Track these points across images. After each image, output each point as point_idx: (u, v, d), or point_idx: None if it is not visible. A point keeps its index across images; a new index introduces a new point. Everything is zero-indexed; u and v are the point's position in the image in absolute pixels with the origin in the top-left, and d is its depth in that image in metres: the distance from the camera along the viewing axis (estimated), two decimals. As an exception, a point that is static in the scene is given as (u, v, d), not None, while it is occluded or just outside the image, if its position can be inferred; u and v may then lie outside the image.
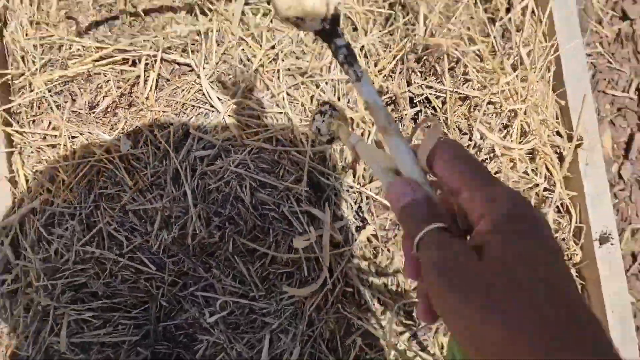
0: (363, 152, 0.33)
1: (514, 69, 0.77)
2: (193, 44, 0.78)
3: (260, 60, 0.75)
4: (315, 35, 0.30)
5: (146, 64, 0.76)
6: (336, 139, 0.38)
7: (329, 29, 0.28)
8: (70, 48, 0.76)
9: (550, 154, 0.79)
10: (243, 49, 0.77)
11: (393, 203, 0.27)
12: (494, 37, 0.77)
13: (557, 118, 0.82)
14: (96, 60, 0.76)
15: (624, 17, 1.07)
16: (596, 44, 1.06)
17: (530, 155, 0.81)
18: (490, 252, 0.22)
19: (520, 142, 0.77)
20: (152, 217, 0.73)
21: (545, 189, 0.80)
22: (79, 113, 0.77)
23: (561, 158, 0.82)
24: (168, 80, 0.78)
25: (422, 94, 0.74)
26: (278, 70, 0.76)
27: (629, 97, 1.05)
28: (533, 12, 0.84)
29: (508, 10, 0.84)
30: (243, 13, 0.78)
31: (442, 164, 0.26)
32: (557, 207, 0.80)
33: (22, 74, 0.79)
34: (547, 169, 0.80)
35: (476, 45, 0.75)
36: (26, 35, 0.79)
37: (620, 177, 1.02)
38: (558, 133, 0.83)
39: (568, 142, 0.80)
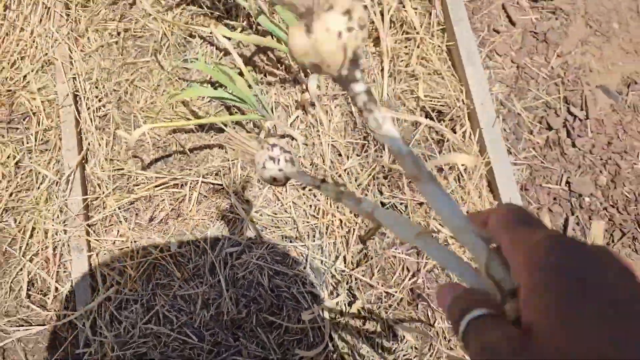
0: (383, 218, 0.31)
1: (457, 181, 1.10)
2: (223, 170, 1.11)
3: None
4: (334, 81, 0.29)
5: (191, 186, 1.09)
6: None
7: (346, 75, 0.26)
8: (136, 179, 1.09)
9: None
10: (260, 173, 1.10)
11: (442, 310, 0.25)
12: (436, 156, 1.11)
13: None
14: (156, 186, 1.08)
15: (549, 127, 1.42)
16: (530, 149, 1.40)
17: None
18: (538, 329, 0.17)
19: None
20: (194, 300, 1.00)
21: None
22: (141, 224, 1.08)
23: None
24: (206, 196, 1.10)
25: (390, 202, 1.05)
26: (285, 187, 1.08)
27: (562, 189, 1.37)
28: (470, 135, 1.18)
29: (453, 130, 1.18)
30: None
31: (494, 218, 0.23)
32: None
33: (98, 197, 1.11)
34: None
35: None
36: (102, 169, 1.13)
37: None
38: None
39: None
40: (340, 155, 1.12)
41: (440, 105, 1.20)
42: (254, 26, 1.14)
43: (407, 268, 1.07)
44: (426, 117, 1.18)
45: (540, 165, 1.39)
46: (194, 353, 0.96)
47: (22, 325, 0.99)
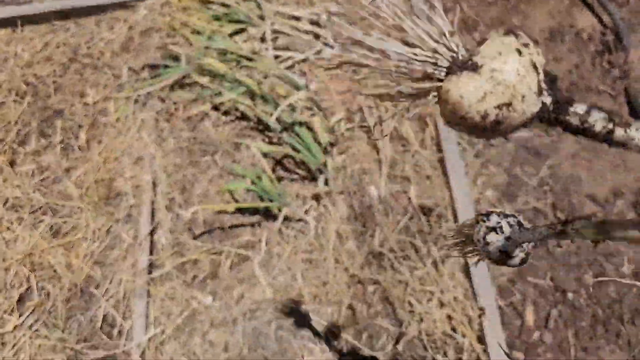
0: None
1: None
2: (251, 243, 1.60)
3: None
4: (536, 125, 0.23)
5: (226, 255, 1.58)
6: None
7: (551, 100, 0.20)
8: (188, 246, 1.61)
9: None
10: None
11: None
12: (419, 246, 1.51)
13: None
14: (201, 252, 1.59)
15: (537, 226, 1.77)
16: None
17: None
18: None
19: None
20: (219, 344, 1.43)
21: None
22: (186, 281, 1.57)
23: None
24: (237, 263, 1.58)
25: (376, 279, 1.46)
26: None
27: (547, 284, 1.67)
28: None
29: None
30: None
31: None
32: None
33: (159, 258, 1.63)
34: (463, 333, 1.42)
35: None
36: (165, 238, 1.67)
37: (542, 341, 1.57)
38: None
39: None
40: (342, 237, 1.57)
41: (429, 204, 1.64)
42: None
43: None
44: (418, 213, 1.61)
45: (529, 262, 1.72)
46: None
47: (94, 349, 1.48)
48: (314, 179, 1.67)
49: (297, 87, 1.74)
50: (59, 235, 1.68)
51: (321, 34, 1.96)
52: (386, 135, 1.70)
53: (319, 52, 1.95)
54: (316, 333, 1.43)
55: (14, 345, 1.50)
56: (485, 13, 2.10)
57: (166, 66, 1.95)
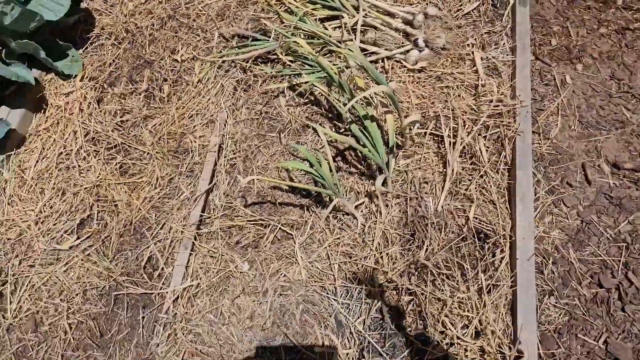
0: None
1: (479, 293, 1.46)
2: (297, 225, 1.67)
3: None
4: None
5: (271, 229, 1.67)
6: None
7: None
8: (238, 212, 1.72)
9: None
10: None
11: None
12: (467, 269, 1.50)
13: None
14: (248, 221, 1.69)
15: (600, 285, 1.66)
16: (574, 297, 1.66)
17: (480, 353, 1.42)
18: None
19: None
20: (245, 309, 1.52)
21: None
22: (230, 244, 1.67)
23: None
24: (279, 239, 1.66)
25: (414, 291, 1.47)
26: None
27: (598, 346, 1.58)
28: (507, 263, 1.55)
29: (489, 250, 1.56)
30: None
31: None
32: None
33: (210, 217, 1.75)
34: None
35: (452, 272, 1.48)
36: (219, 199, 1.79)
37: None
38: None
39: None
40: (387, 241, 1.60)
41: (487, 229, 1.61)
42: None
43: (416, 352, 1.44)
44: (473, 236, 1.60)
45: (581, 316, 1.63)
46: (230, 347, 1.46)
47: (134, 285, 1.63)
48: (372, 177, 1.71)
49: (377, 83, 1.78)
50: (126, 175, 1.85)
51: (413, 34, 1.98)
52: (457, 149, 1.69)
53: (406, 52, 1.98)
54: (340, 327, 1.47)
55: (66, 263, 1.69)
56: (595, 44, 2.01)
57: (255, 39, 2.07)
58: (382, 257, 1.55)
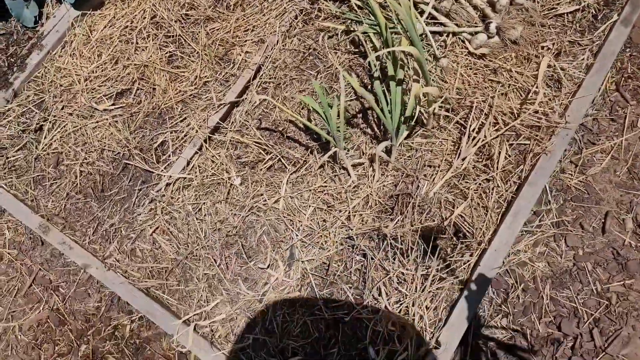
0: None
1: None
2: (298, 160, 1.79)
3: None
4: None
5: (271, 157, 1.81)
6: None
7: None
8: (249, 131, 1.87)
9: None
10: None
11: None
12: (427, 255, 1.55)
13: None
14: (254, 142, 1.84)
15: (559, 328, 1.64)
16: (527, 328, 1.66)
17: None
18: None
19: None
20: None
21: None
22: (231, 156, 1.85)
23: None
24: (276, 169, 1.80)
25: (366, 253, 1.56)
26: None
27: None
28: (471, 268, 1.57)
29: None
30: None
31: None
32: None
33: (226, 128, 1.93)
34: None
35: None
36: (240, 115, 1.95)
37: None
38: None
39: None
40: (367, 204, 1.68)
41: (468, 230, 1.63)
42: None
43: None
44: (451, 232, 1.63)
45: (524, 346, 1.64)
46: (196, 238, 1.67)
47: (142, 161, 1.88)
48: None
49: (412, 44, 1.78)
50: (172, 65, 2.06)
51: (490, 16, 1.91)
52: (474, 145, 1.69)
53: (475, 33, 1.93)
54: (291, 258, 1.62)
55: (97, 121, 1.96)
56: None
57: (332, -26, 2.11)
58: (354, 216, 1.64)
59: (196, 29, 2.11)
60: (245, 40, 2.06)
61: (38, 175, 1.92)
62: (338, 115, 1.58)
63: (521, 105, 1.77)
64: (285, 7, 2.09)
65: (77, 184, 1.86)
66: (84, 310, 1.78)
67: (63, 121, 1.97)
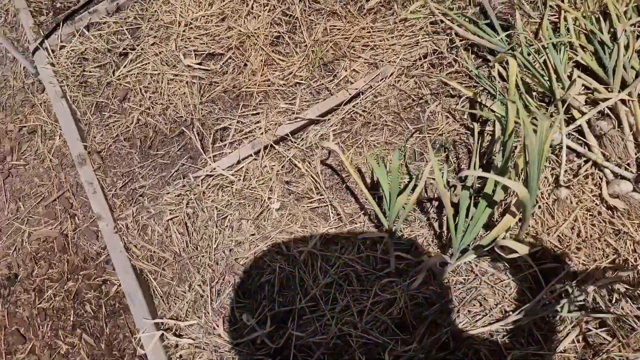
0: None
1: None
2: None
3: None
4: None
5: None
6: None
7: None
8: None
9: None
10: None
11: None
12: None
13: None
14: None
15: None
16: None
17: None
18: None
19: None
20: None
21: None
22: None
23: None
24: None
25: None
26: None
27: None
28: None
29: None
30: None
31: None
32: None
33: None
34: None
35: None
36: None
37: None
38: None
39: None
40: (391, 306, 1.44)
41: None
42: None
43: None
44: None
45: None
46: (206, 245, 1.54)
47: (198, 136, 1.74)
48: (444, 248, 1.49)
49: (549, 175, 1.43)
50: (274, 47, 1.86)
51: (647, 165, 1.50)
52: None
53: (619, 177, 1.53)
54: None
55: (175, 74, 1.84)
56: None
57: (489, 24, 1.76)
58: (367, 314, 1.42)
59: (316, 19, 1.88)
60: (359, 57, 1.80)
61: (102, 102, 1.86)
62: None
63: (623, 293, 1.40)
64: (418, 40, 1.78)
65: (130, 130, 1.78)
66: (87, 249, 1.75)
67: (147, 58, 1.87)
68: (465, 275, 1.47)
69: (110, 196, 1.70)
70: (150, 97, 1.84)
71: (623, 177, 1.54)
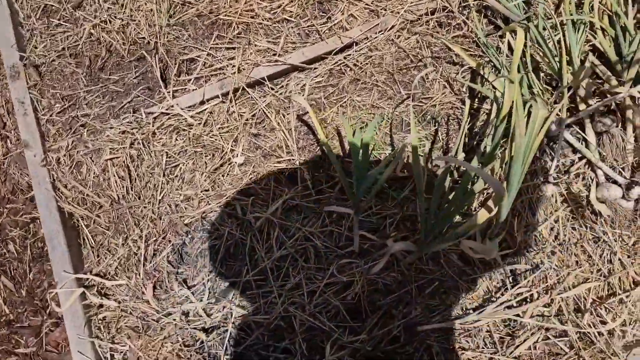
0: None
1: None
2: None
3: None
4: None
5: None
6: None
7: None
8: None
9: None
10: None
11: None
12: None
13: None
14: None
15: None
16: None
17: None
18: None
19: None
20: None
21: None
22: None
23: None
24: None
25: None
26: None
27: None
28: None
29: None
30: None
31: None
32: None
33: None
34: None
35: None
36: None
37: None
38: None
39: None
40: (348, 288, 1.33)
41: None
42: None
43: None
44: None
45: None
46: (150, 196, 1.36)
47: (162, 63, 1.50)
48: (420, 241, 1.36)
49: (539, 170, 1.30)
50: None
51: (643, 174, 1.38)
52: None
53: (611, 180, 1.41)
54: (219, 299, 1.31)
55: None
56: None
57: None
58: (319, 295, 1.30)
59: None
60: (360, 0, 1.55)
61: (52, 6, 1.57)
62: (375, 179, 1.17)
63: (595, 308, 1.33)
64: (430, -5, 1.54)
65: (79, 45, 1.52)
66: (17, 180, 1.54)
67: (112, -43, 1.56)
68: (431, 265, 1.36)
69: (44, 121, 1.46)
70: (109, 8, 1.56)
71: (615, 182, 1.42)
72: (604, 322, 1.32)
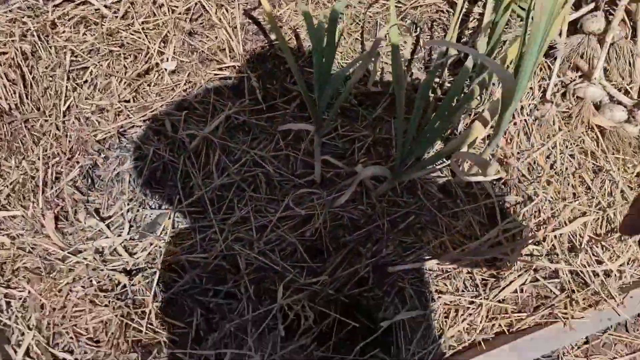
0: None
1: None
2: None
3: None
4: None
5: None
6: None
7: None
8: None
9: None
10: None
11: None
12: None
13: None
14: None
15: None
16: None
17: None
18: None
19: None
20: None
21: None
22: None
23: None
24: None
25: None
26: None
27: None
28: None
29: None
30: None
31: None
32: None
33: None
34: None
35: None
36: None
37: None
38: None
39: None
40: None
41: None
42: None
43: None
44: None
45: None
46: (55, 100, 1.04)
47: None
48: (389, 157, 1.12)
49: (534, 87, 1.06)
50: None
51: (653, 93, 1.18)
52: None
53: (616, 101, 1.20)
54: (144, 234, 1.05)
55: None
56: None
57: None
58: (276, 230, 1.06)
59: None
60: None
61: None
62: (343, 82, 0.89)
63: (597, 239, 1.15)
64: None
65: None
66: None
67: None
68: (406, 197, 1.13)
69: None
70: None
71: (619, 103, 1.21)
72: (600, 262, 1.15)
